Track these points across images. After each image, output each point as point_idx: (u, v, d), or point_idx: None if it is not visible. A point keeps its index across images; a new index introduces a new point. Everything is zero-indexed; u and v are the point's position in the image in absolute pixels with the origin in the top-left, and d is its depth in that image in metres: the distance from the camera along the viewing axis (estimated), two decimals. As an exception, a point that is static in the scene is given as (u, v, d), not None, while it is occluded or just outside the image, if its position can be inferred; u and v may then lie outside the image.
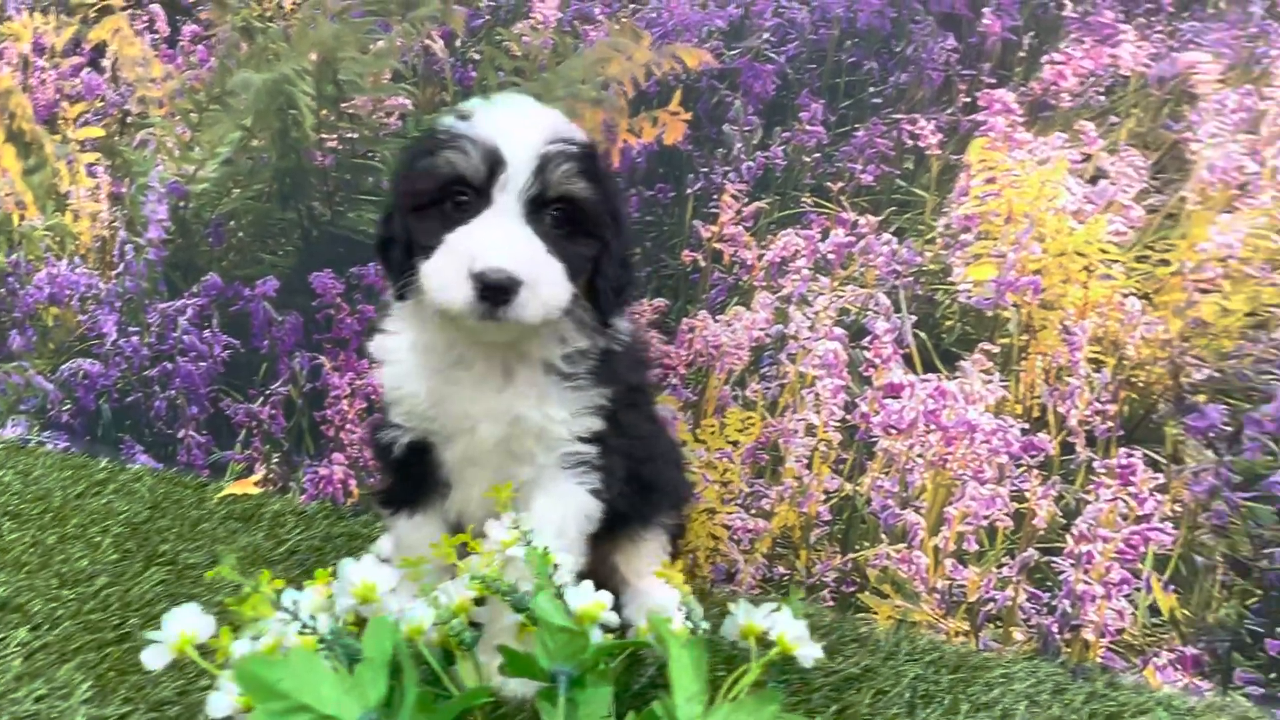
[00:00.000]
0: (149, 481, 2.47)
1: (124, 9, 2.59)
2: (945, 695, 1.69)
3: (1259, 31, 1.75)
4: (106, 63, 2.63)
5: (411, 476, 1.73)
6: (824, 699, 1.65)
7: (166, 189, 2.58)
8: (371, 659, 1.33)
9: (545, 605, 1.42)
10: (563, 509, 1.64)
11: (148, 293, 2.62)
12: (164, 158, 2.58)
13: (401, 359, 1.67)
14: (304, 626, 1.39)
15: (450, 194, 1.50)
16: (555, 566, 1.48)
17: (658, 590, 1.81)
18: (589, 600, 1.45)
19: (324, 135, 2.40)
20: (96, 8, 2.61)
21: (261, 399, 2.52)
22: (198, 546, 2.08)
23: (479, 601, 1.55)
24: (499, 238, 1.45)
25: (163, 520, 2.22)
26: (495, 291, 1.43)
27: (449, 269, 1.46)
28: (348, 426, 2.45)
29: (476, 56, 2.27)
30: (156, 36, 2.56)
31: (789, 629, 1.45)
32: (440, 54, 2.29)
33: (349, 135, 2.39)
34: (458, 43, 2.28)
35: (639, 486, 1.80)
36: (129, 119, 2.62)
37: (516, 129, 1.49)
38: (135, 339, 2.64)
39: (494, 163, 1.46)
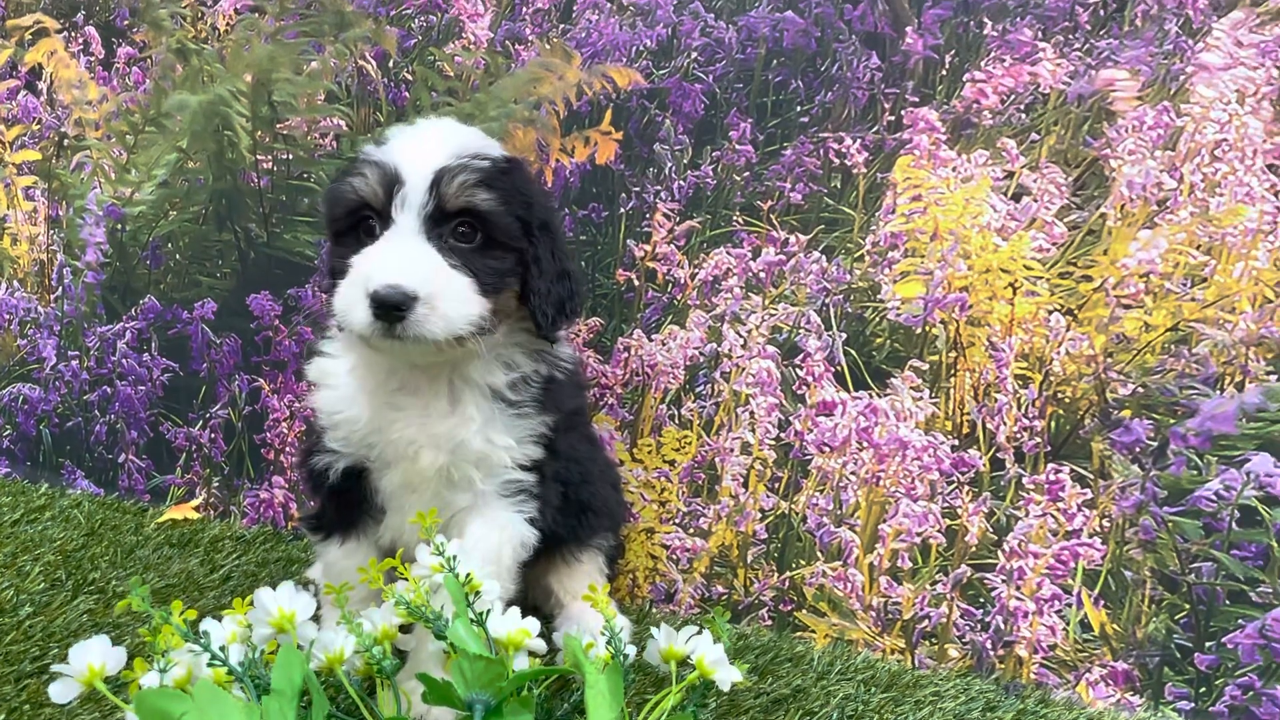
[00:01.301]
0: (88, 508, 2.44)
1: (59, 31, 2.57)
2: (874, 715, 1.69)
3: (1174, 49, 1.76)
4: (42, 85, 2.61)
5: (345, 502, 1.72)
6: (751, 720, 1.64)
7: (104, 212, 2.56)
8: (280, 690, 1.32)
9: (461, 633, 1.42)
10: (498, 536, 1.64)
11: (86, 316, 2.60)
12: (101, 180, 2.55)
13: (341, 383, 1.66)
14: (213, 658, 1.37)
15: (360, 219, 1.52)
16: (477, 594, 1.46)
17: (591, 613, 1.81)
18: (513, 627, 1.44)
19: (259, 156, 2.39)
20: (32, 30, 2.59)
21: (201, 422, 2.50)
22: (129, 574, 2.05)
23: (404, 629, 1.54)
24: (393, 256, 1.45)
25: (97, 547, 2.19)
26: (388, 309, 1.43)
27: (351, 291, 1.46)
28: (287, 450, 2.43)
29: (410, 77, 2.26)
30: (92, 59, 2.54)
31: (708, 652, 1.45)
32: (374, 75, 2.28)
33: (284, 156, 2.37)
34: (391, 63, 2.27)
35: (575, 509, 1.80)
36: (66, 142, 2.59)
37: (417, 148, 1.51)
38: (75, 363, 2.61)
39: (392, 183, 1.47)
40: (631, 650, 1.47)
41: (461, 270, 1.48)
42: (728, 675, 1.45)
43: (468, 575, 1.46)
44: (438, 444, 1.59)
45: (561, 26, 2.13)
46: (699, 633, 1.46)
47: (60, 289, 2.63)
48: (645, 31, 2.06)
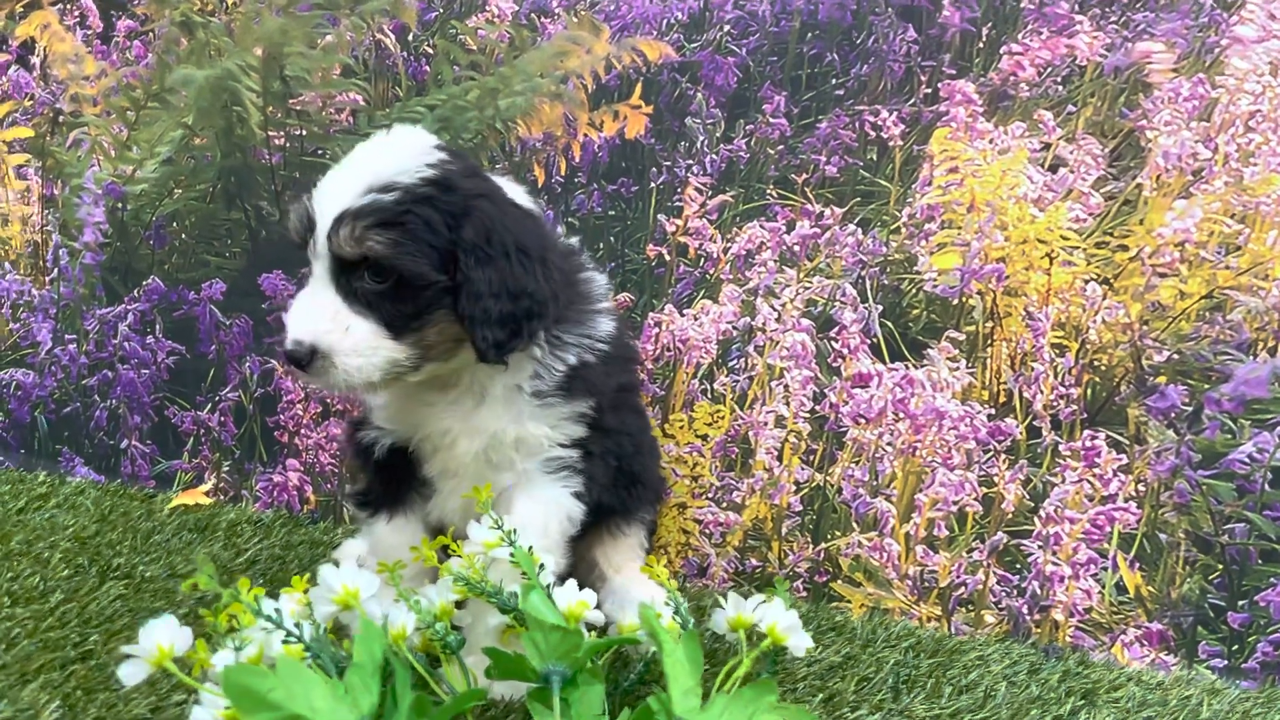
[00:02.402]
0: (93, 494, 2.37)
1: (53, 3, 2.48)
2: (927, 679, 1.71)
3: (1209, 22, 1.80)
4: (35, 60, 2.52)
5: (392, 478, 1.70)
6: (809, 688, 1.65)
7: (103, 190, 2.48)
8: (362, 665, 1.30)
9: (538, 605, 1.40)
10: (545, 511, 1.62)
11: (85, 299, 2.52)
12: (100, 158, 2.48)
13: None
14: (289, 634, 1.34)
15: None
16: (541, 566, 1.46)
17: (637, 585, 1.81)
18: (574, 599, 1.44)
19: (271, 132, 2.33)
20: (23, 2, 2.50)
21: (210, 406, 2.44)
22: (153, 559, 2.00)
23: (459, 604, 1.52)
24: (299, 307, 1.47)
25: (113, 534, 2.13)
26: (291, 361, 1.44)
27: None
28: (302, 432, 2.38)
29: (430, 50, 2.22)
30: (89, 32, 2.46)
31: (780, 619, 1.45)
32: (392, 48, 2.25)
33: (297, 133, 2.32)
34: (410, 37, 2.24)
35: (626, 481, 1.79)
36: (61, 118, 2.51)
37: (330, 186, 1.47)
38: (73, 347, 2.53)
39: (308, 228, 1.46)
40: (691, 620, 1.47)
41: (369, 316, 1.44)
42: (800, 642, 1.45)
43: (529, 548, 1.46)
44: (472, 432, 1.59)
45: (589, 0, 2.11)
46: (765, 600, 1.46)
47: (56, 270, 2.55)
48: (676, 4, 2.05)
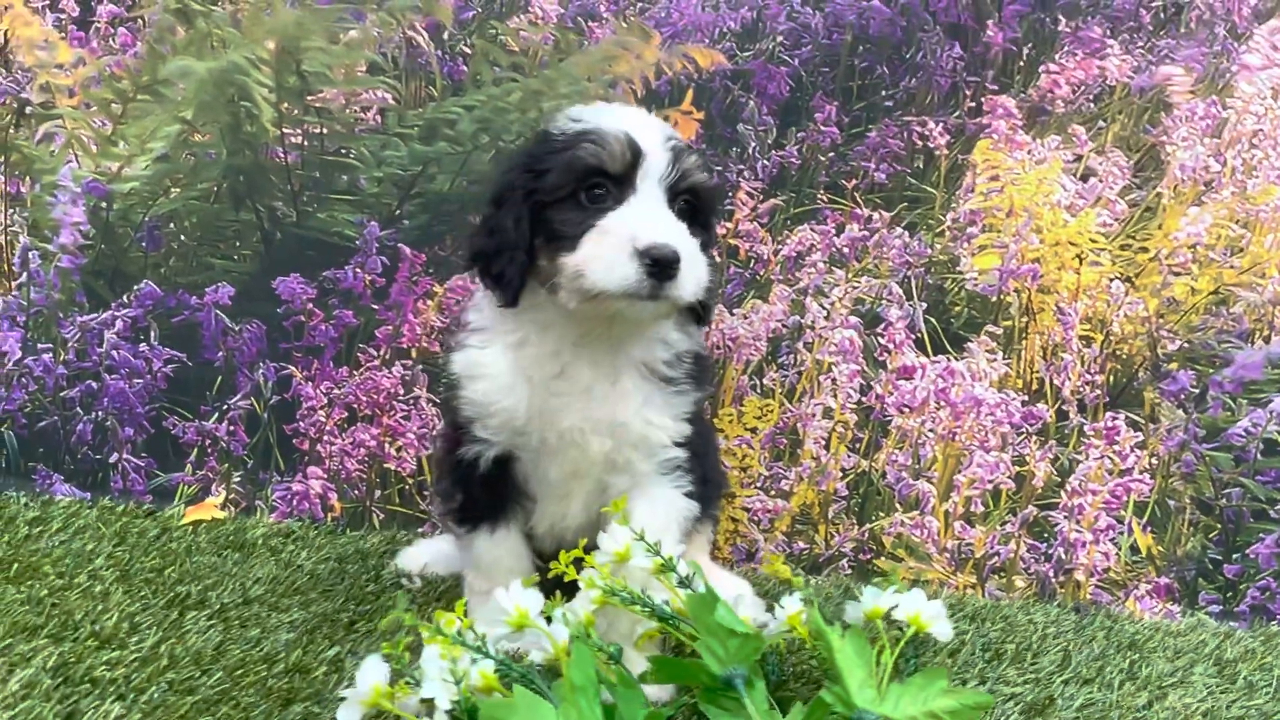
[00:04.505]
0: (92, 514, 2.24)
1: (16, -17, 2.26)
2: (979, 640, 1.86)
3: (1222, 49, 2.03)
4: (-7, 45, 2.29)
5: (495, 491, 1.70)
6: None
7: (82, 189, 2.30)
8: (583, 686, 1.35)
9: (723, 613, 1.48)
10: (664, 513, 1.68)
11: (62, 305, 2.34)
12: (77, 153, 2.29)
13: (496, 372, 1.64)
14: (501, 663, 1.38)
15: (586, 186, 1.52)
16: (674, 571, 1.52)
17: (712, 581, 1.90)
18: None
19: (286, 130, 2.23)
20: (-23, -19, 2.27)
21: (217, 415, 2.33)
22: (214, 584, 1.92)
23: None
24: (658, 217, 1.49)
25: (149, 558, 2.03)
26: (663, 266, 1.45)
27: (609, 251, 1.47)
28: (325, 439, 2.32)
29: (468, 50, 2.18)
30: (62, 16, 2.26)
31: (924, 608, 1.58)
32: (425, 46, 2.19)
33: (316, 131, 2.23)
34: (445, 35, 2.19)
35: (699, 480, 1.87)
36: (28, 109, 2.30)
37: (645, 124, 1.55)
38: (47, 357, 2.35)
39: (634, 152, 1.50)
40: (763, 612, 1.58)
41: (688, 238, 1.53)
42: (944, 629, 1.59)
43: (669, 557, 1.52)
44: (601, 429, 1.62)
45: (639, 5, 2.13)
46: (900, 590, 1.58)
47: (25, 275, 2.35)
48: (729, 14, 2.11)
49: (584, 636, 1.46)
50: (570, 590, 1.51)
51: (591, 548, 1.52)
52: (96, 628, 1.72)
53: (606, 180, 1.51)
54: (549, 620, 1.43)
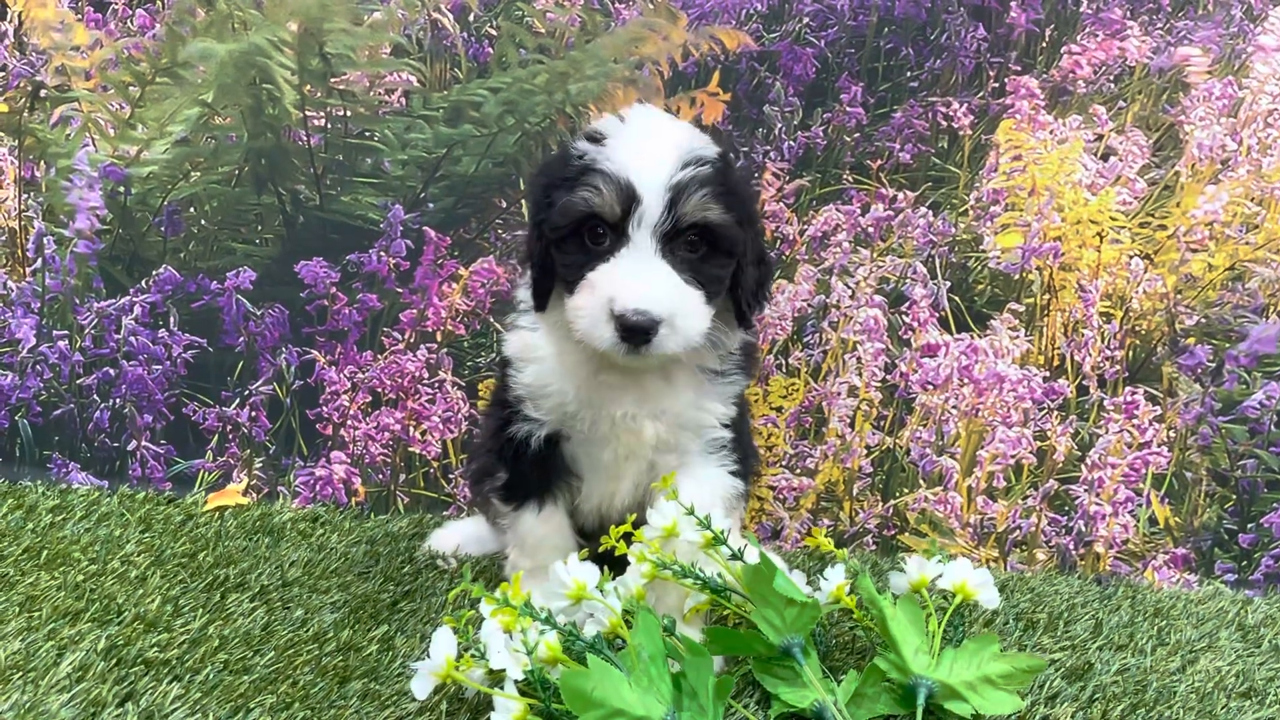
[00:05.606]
0: (113, 502, 2.22)
1: (30, -36, 2.23)
2: (1009, 610, 1.90)
3: (1239, 31, 2.08)
4: (7, 27, 2.25)
5: (544, 470, 1.72)
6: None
7: (99, 173, 2.28)
8: (654, 655, 1.37)
9: (783, 584, 1.50)
10: (710, 490, 1.70)
11: (78, 291, 2.32)
12: (94, 137, 2.27)
13: (546, 356, 1.65)
14: (568, 634, 1.39)
15: (587, 228, 1.52)
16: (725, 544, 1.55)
17: (747, 556, 1.92)
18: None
19: (309, 112, 2.22)
20: (-10, -39, 2.23)
21: (238, 400, 2.32)
22: (250, 568, 1.91)
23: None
24: (636, 278, 1.47)
25: (179, 544, 2.01)
26: (634, 333, 1.46)
27: (592, 309, 1.49)
28: (349, 423, 2.32)
29: (493, 32, 2.18)
30: (78, -2, 2.24)
31: (970, 577, 1.61)
32: (450, 28, 2.19)
33: (340, 113, 2.22)
34: (470, 17, 2.18)
35: (742, 457, 1.89)
36: (43, 92, 2.27)
37: (649, 158, 1.49)
38: (63, 344, 2.33)
39: (628, 199, 1.47)
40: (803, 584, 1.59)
41: (692, 283, 1.51)
42: (991, 596, 1.62)
43: (720, 530, 1.55)
44: (655, 415, 1.64)
45: (666, -14, 2.15)
46: (944, 560, 1.61)
47: (40, 261, 2.32)
48: (755, -5, 2.13)
49: (637, 609, 1.48)
50: (616, 565, 1.52)
51: (640, 523, 1.54)
52: (140, 610, 1.71)
53: (605, 225, 1.50)
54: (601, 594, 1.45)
